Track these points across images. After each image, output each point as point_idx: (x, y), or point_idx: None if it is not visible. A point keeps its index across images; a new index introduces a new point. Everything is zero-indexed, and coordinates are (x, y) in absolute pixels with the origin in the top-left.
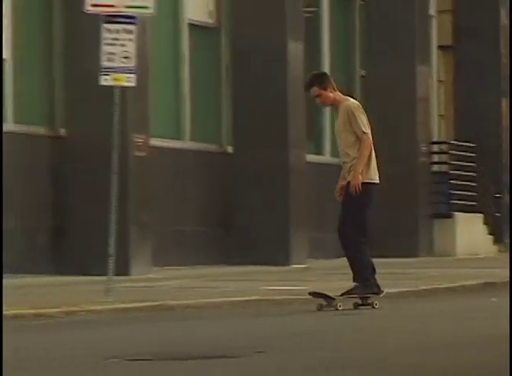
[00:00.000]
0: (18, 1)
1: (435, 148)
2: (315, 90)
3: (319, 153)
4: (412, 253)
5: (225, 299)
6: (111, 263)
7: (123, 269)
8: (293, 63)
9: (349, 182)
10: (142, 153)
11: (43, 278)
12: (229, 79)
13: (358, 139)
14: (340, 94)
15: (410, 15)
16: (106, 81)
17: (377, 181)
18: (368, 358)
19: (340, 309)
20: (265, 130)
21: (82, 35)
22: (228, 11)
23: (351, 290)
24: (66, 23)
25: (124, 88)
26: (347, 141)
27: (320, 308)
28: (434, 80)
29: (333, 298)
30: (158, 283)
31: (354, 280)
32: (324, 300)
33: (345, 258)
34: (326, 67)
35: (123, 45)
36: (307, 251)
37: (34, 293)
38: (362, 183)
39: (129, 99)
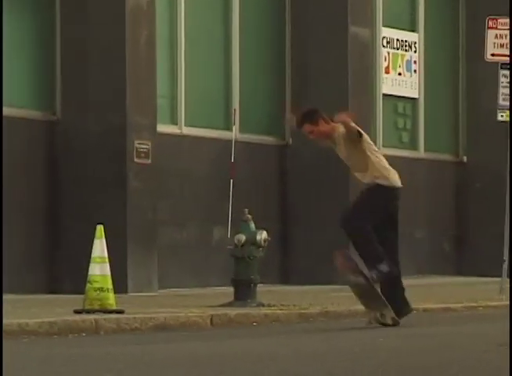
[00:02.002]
0: (430, 58)
1: None
2: (306, 127)
3: None
4: None
5: None
6: (505, 267)
7: None
8: None
9: (369, 186)
10: None
11: (447, 278)
12: None
13: (367, 159)
14: (333, 124)
15: None
16: (501, 117)
17: (399, 185)
18: None
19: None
20: None
21: (482, 79)
22: None
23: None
24: (469, 69)
25: None
26: (358, 165)
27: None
28: None
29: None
30: None
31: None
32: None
33: None
34: None
35: None
36: None
37: (441, 291)
38: (382, 186)
39: None
